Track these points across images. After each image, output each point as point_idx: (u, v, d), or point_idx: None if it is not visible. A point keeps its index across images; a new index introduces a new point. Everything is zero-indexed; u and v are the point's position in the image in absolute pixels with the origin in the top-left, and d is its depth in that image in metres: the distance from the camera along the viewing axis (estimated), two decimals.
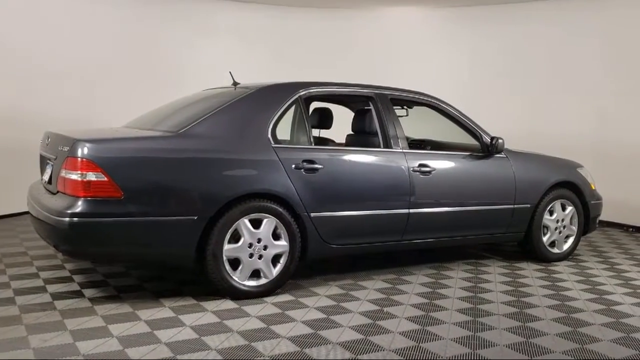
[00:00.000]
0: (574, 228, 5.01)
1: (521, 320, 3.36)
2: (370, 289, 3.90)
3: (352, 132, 4.53)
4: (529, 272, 4.55)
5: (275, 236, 3.63)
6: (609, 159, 6.62)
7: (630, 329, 3.28)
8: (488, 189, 4.55)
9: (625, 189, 6.54)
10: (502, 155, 4.67)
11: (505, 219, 4.66)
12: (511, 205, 4.65)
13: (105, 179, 3.16)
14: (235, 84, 4.26)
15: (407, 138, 4.94)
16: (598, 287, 4.16)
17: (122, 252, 3.36)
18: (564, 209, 4.94)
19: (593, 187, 5.17)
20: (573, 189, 4.98)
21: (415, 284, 4.08)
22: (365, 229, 4.03)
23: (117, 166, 3.23)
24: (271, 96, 3.86)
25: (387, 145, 4.18)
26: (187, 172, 3.37)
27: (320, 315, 3.34)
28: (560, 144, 6.65)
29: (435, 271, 4.46)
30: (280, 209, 3.61)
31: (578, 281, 4.29)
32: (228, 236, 3.47)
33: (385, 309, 3.49)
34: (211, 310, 3.35)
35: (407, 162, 4.15)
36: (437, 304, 3.62)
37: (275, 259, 3.65)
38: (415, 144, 5.30)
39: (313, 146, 3.93)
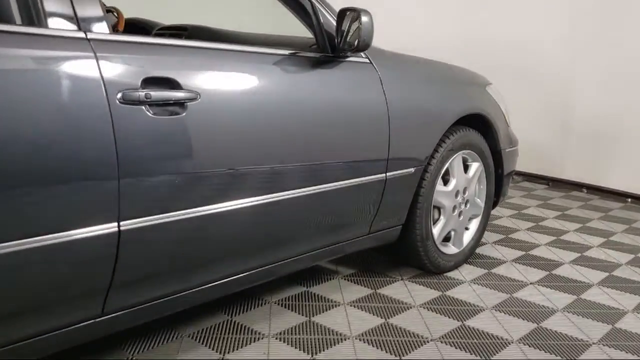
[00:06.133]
0: (481, 202, 2.67)
1: None
2: None
3: None
4: (418, 315, 2.10)
5: None
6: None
7: None
8: (333, 141, 1.90)
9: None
10: (362, 58, 2.02)
11: (368, 208, 2.10)
12: (381, 174, 2.08)
13: None
14: None
15: (151, 26, 2.15)
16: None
17: None
18: (465, 168, 2.55)
19: (508, 121, 2.84)
20: (481, 128, 2.59)
21: None
22: None
23: None
24: None
25: (33, 18, 1.27)
26: None
27: None
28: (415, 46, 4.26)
29: (210, 350, 1.78)
30: None
31: (525, 341, 1.94)
32: None
33: None
34: None
35: (103, 72, 1.30)
36: None
37: None
38: (167, 36, 2.43)
39: None
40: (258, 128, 1.64)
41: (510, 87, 4.30)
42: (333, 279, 2.39)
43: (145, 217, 1.40)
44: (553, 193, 4.18)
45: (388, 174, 2.08)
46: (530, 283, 2.45)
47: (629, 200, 3.98)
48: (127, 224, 1.37)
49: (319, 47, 1.89)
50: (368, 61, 2.02)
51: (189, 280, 1.62)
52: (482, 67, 3.19)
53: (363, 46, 1.84)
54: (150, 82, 1.39)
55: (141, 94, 1.36)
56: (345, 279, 2.39)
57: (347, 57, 1.94)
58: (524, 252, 2.84)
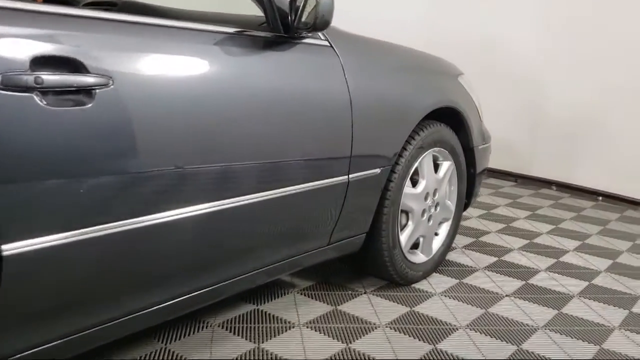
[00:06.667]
0: (452, 204, 2.42)
1: None
2: None
3: None
4: (384, 337, 1.83)
5: None
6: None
7: None
8: (286, 138, 1.60)
9: None
10: (320, 40, 1.73)
11: (329, 215, 1.81)
12: (343, 175, 1.79)
13: None
14: None
15: None
16: None
17: None
18: (435, 167, 2.29)
19: (481, 116, 2.60)
20: (452, 123, 2.33)
21: None
22: None
23: None
24: None
25: None
26: None
27: None
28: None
29: None
30: None
31: None
32: None
33: None
34: None
35: None
36: None
37: None
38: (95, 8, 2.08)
39: None
40: (190, 121, 1.32)
41: (479, 83, 4.06)
42: (288, 293, 2.10)
43: (39, 237, 1.08)
44: (522, 190, 3.99)
45: (351, 175, 1.80)
46: (506, 295, 2.22)
47: (600, 198, 3.82)
48: (13, 247, 1.04)
49: (269, 25, 1.58)
50: (328, 44, 1.73)
51: (109, 311, 1.31)
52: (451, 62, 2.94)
53: (321, 25, 1.54)
54: (43, 62, 1.06)
55: (29, 77, 1.03)
56: (301, 294, 2.11)
57: (303, 38, 1.64)
58: (496, 258, 2.61)
